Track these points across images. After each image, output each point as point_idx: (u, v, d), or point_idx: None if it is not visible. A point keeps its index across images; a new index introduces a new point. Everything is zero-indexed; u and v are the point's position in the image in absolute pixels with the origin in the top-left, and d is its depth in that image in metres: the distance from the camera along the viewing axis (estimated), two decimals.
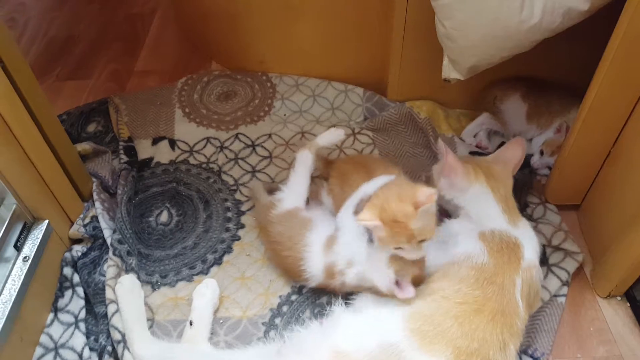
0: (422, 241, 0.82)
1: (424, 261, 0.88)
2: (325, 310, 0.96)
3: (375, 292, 0.88)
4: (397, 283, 0.84)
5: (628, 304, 1.01)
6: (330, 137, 1.04)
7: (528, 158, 1.25)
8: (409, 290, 0.82)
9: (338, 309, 0.84)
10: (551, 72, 1.24)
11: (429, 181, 1.03)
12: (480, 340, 0.77)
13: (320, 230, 0.96)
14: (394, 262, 0.85)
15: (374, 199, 0.85)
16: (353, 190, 0.95)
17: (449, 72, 1.05)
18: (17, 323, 0.88)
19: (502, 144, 1.29)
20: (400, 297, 0.82)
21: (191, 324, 0.95)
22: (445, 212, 0.99)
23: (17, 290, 0.89)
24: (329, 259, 0.93)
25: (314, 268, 0.95)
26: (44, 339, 0.95)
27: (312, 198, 1.06)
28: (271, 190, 1.13)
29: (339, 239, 0.93)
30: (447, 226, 0.95)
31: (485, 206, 0.92)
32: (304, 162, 1.02)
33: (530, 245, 0.89)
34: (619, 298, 1.02)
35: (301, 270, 0.95)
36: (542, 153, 1.19)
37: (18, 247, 0.94)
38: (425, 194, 0.79)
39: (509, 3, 0.90)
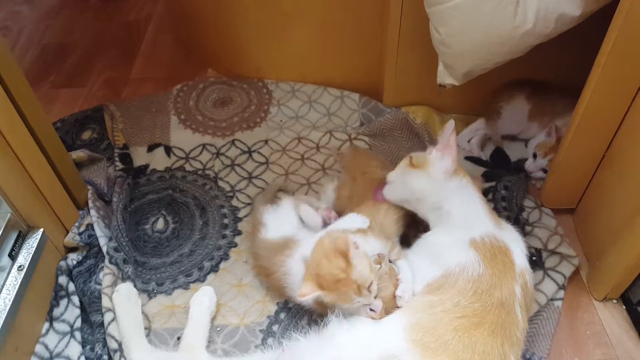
0: (370, 287, 0.80)
1: (395, 275, 0.85)
2: (324, 317, 0.95)
3: None
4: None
5: (624, 307, 1.02)
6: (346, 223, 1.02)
7: (522, 162, 1.26)
8: (377, 305, 0.80)
9: (336, 319, 0.82)
10: (550, 76, 1.24)
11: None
12: (481, 353, 0.76)
13: (303, 257, 0.91)
14: None
15: (307, 269, 0.83)
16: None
17: (444, 77, 1.06)
18: (12, 333, 0.87)
19: (497, 149, 1.30)
20: (376, 317, 0.81)
21: (178, 339, 0.95)
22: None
23: (12, 299, 0.88)
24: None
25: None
26: (39, 348, 0.94)
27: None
28: (280, 190, 1.17)
29: None
30: (429, 239, 0.90)
31: (472, 206, 0.90)
32: (311, 219, 1.01)
33: (518, 248, 0.87)
34: (614, 301, 1.03)
35: (287, 294, 0.95)
36: (535, 156, 1.19)
37: (13, 256, 0.93)
38: (345, 242, 0.79)
39: (502, 9, 0.90)
